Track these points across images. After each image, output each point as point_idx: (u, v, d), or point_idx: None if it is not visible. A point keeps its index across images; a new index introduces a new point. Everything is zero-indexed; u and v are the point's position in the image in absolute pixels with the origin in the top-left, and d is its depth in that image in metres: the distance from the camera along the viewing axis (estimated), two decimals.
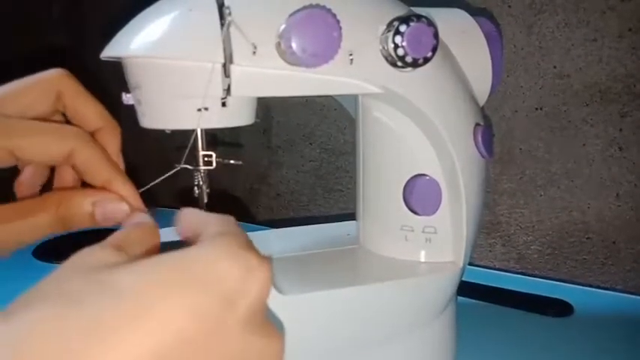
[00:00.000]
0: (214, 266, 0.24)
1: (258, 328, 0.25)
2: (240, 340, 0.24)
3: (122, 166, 0.40)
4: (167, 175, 0.41)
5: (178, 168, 0.43)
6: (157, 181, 0.42)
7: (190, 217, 0.33)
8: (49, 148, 0.36)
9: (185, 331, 0.22)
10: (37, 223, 0.36)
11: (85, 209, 0.37)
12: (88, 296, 0.22)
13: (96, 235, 0.43)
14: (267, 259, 0.25)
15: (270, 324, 0.26)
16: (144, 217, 0.36)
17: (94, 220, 0.38)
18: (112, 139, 0.39)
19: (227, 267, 0.24)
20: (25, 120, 0.37)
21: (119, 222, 0.38)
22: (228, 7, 0.37)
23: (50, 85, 0.38)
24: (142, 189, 0.41)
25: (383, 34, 0.41)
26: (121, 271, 0.24)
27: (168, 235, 0.48)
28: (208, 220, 0.31)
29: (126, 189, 0.38)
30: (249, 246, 0.26)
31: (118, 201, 0.38)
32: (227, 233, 0.26)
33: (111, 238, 0.30)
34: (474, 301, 0.69)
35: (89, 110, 0.38)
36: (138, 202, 0.39)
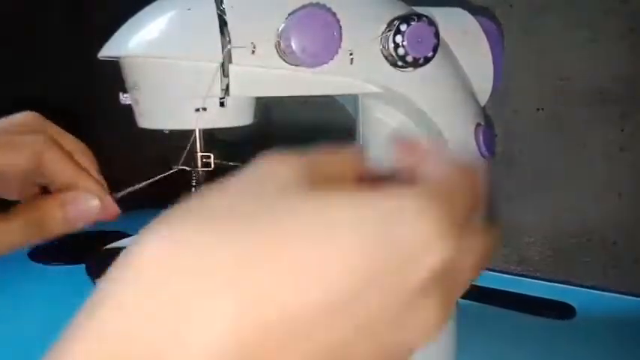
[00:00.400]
0: (402, 224, 0.21)
1: (428, 299, 0.22)
2: (407, 306, 0.22)
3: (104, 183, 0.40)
4: (162, 175, 0.41)
5: (176, 169, 0.42)
6: (149, 181, 0.41)
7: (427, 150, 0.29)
8: (18, 162, 0.37)
9: (357, 288, 0.20)
10: (10, 231, 0.36)
11: (57, 213, 0.37)
12: (262, 227, 0.20)
13: (89, 237, 0.43)
14: (454, 228, 0.22)
15: (439, 298, 0.23)
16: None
17: (69, 222, 0.38)
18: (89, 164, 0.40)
19: (416, 229, 0.21)
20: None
21: (93, 219, 0.38)
22: (226, 6, 0.37)
23: (33, 154, 0.37)
24: (132, 188, 0.40)
25: (383, 33, 0.40)
26: (303, 202, 0.21)
27: None
28: (443, 171, 0.26)
29: (92, 184, 0.38)
30: (454, 216, 0.22)
31: (86, 197, 0.38)
32: (438, 191, 0.23)
33: (307, 154, 0.27)
34: (474, 303, 0.68)
35: (66, 164, 0.38)
36: (105, 194, 0.39)
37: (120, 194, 0.40)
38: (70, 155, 0.38)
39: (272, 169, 0.24)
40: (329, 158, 0.28)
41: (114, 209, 0.39)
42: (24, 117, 0.39)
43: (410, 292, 0.21)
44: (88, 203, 0.38)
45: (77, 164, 0.39)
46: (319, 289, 0.19)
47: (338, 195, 0.22)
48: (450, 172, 0.25)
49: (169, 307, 0.18)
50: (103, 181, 0.40)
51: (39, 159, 0.37)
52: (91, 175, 0.39)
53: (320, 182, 0.24)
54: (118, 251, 0.47)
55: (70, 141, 0.40)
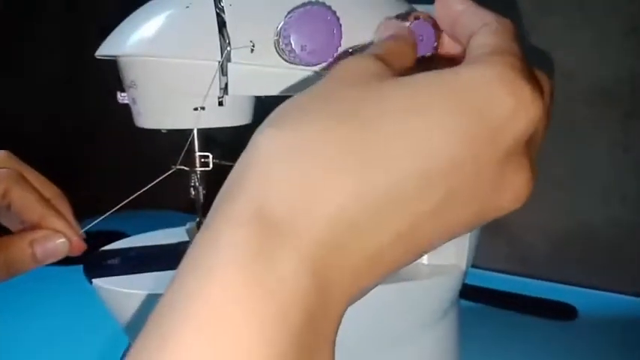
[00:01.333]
0: (487, 92, 0.23)
1: (517, 163, 0.24)
2: (498, 171, 0.23)
3: (79, 230, 0.40)
4: (163, 177, 0.41)
5: (174, 169, 0.42)
6: (152, 183, 0.41)
7: (457, 5, 0.32)
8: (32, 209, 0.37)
9: (453, 155, 0.22)
10: None
11: (26, 252, 0.37)
12: (362, 110, 0.22)
13: (89, 237, 0.42)
14: (542, 95, 0.24)
15: (527, 161, 0.25)
16: (401, 28, 0.35)
17: (37, 260, 0.38)
18: (63, 207, 0.40)
19: (500, 95, 0.23)
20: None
21: (61, 256, 0.38)
22: (225, 4, 0.36)
23: None
24: (139, 192, 0.40)
25: None
26: (391, 85, 0.23)
27: (170, 236, 0.48)
28: (485, 18, 0.30)
29: (59, 222, 0.38)
30: (526, 73, 0.24)
31: (55, 236, 0.38)
32: (505, 52, 0.25)
33: (373, 48, 0.30)
34: (477, 304, 0.68)
35: (33, 201, 0.38)
36: (73, 232, 0.39)
37: (86, 229, 0.41)
38: (37, 192, 0.38)
39: (351, 67, 0.26)
40: (391, 46, 0.30)
41: (81, 247, 0.40)
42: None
43: (500, 158, 0.23)
44: (57, 242, 0.38)
45: (45, 201, 0.39)
46: (421, 156, 0.21)
47: (421, 75, 0.23)
48: (495, 28, 0.28)
49: (299, 184, 0.21)
50: (72, 219, 0.40)
51: (5, 194, 0.37)
52: (59, 213, 0.39)
53: (395, 67, 0.26)
54: (115, 252, 0.48)
55: (41, 182, 0.40)
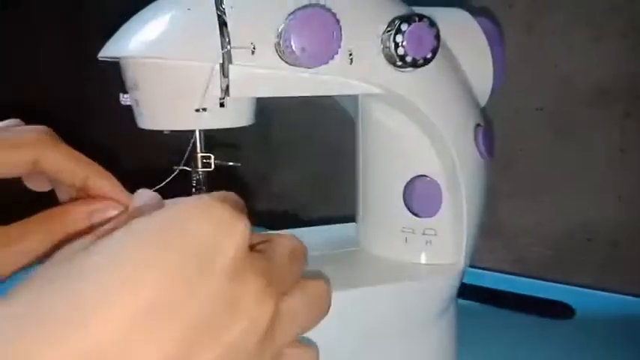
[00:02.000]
0: (185, 223, 0.23)
1: (240, 278, 0.23)
2: (228, 294, 0.22)
3: (125, 196, 0.38)
4: (168, 180, 0.41)
5: (177, 170, 0.43)
6: (157, 187, 0.41)
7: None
8: (9, 162, 0.35)
9: (160, 294, 0.21)
10: (31, 246, 0.35)
11: (80, 226, 0.36)
12: (57, 279, 0.22)
13: None
14: (242, 214, 0.24)
15: (252, 275, 0.24)
16: (153, 198, 0.34)
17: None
18: (104, 181, 0.37)
19: (198, 223, 0.23)
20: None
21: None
22: (226, 7, 0.37)
23: (26, 154, 0.36)
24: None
25: (384, 32, 0.40)
26: (93, 248, 0.23)
27: None
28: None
29: (106, 184, 0.37)
30: (223, 199, 0.24)
31: (112, 207, 0.37)
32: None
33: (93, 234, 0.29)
34: (474, 303, 0.68)
35: (68, 173, 0.37)
36: (122, 195, 0.37)
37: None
38: (71, 152, 0.37)
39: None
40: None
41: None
42: (30, 146, 0.36)
43: (223, 283, 0.22)
44: (114, 213, 0.37)
45: (83, 161, 0.37)
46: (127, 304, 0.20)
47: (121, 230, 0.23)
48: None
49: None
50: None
51: (38, 165, 0.36)
52: (100, 170, 0.37)
53: None
54: None
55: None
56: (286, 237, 0.29)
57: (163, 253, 0.22)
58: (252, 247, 0.25)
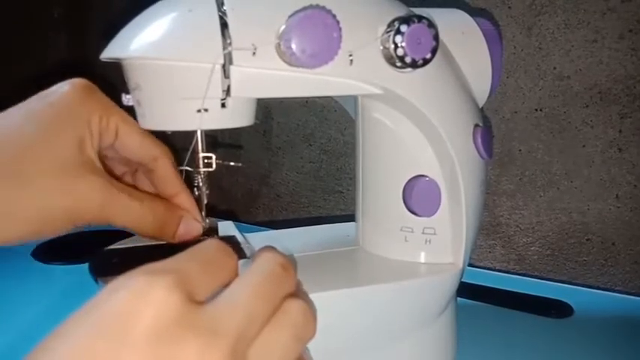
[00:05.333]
0: (107, 296, 0.23)
1: (173, 341, 0.22)
2: (151, 355, 0.22)
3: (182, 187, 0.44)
4: None
5: (180, 170, 0.43)
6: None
7: None
8: (146, 147, 0.41)
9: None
10: (132, 209, 0.39)
11: (174, 223, 0.41)
12: None
13: (92, 235, 0.43)
14: (162, 279, 0.24)
15: (185, 333, 0.23)
16: None
17: (174, 235, 0.42)
18: (170, 166, 0.43)
19: (117, 297, 0.23)
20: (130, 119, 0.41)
21: (192, 238, 0.42)
22: (227, 8, 0.37)
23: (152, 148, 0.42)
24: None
25: (383, 34, 0.41)
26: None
27: None
28: None
29: (191, 203, 0.43)
30: (151, 269, 0.24)
31: (194, 219, 0.42)
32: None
33: None
34: (473, 302, 0.68)
35: (174, 175, 0.43)
36: (199, 216, 0.43)
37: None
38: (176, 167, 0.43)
39: None
40: None
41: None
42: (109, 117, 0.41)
43: (148, 348, 0.22)
44: (196, 225, 0.43)
45: (180, 179, 0.43)
46: None
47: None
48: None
49: None
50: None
51: (155, 163, 0.42)
52: (189, 192, 0.44)
53: None
54: (120, 251, 0.48)
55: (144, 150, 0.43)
56: (265, 256, 0.29)
57: (85, 323, 0.22)
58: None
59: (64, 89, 0.39)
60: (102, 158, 0.40)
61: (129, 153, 0.41)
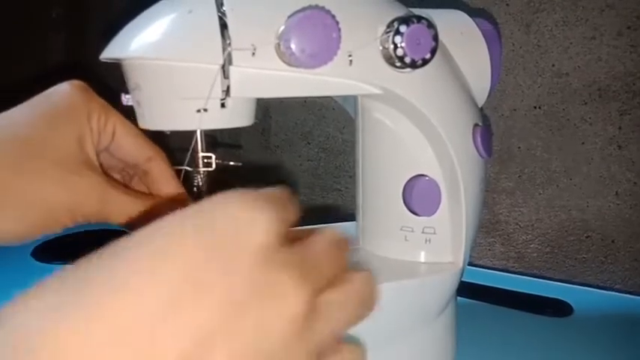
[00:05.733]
0: (213, 212, 0.23)
1: (272, 268, 0.23)
2: (256, 276, 0.22)
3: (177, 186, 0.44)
4: None
5: (179, 170, 0.43)
6: None
7: None
8: (140, 148, 0.41)
9: (193, 269, 0.21)
10: (128, 205, 0.39)
11: None
12: (100, 260, 0.22)
13: (93, 235, 0.43)
14: (270, 206, 0.24)
15: (284, 262, 0.24)
16: None
17: None
18: (164, 167, 0.43)
19: (233, 211, 0.23)
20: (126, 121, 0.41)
21: None
22: (226, 9, 0.37)
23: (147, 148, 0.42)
24: None
25: (383, 34, 0.41)
26: (131, 236, 0.23)
27: None
28: None
29: (165, 170, 0.42)
30: (254, 195, 0.25)
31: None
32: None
33: None
34: (473, 301, 0.69)
35: (170, 175, 0.43)
36: (176, 184, 0.43)
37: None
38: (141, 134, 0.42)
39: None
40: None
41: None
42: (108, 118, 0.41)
43: (254, 265, 0.22)
44: None
45: (176, 179, 0.43)
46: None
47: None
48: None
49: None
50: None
51: (149, 163, 0.42)
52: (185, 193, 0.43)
53: None
54: None
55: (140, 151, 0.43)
56: (326, 230, 0.29)
57: (196, 235, 0.22)
58: (292, 241, 0.26)
59: (64, 89, 0.40)
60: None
61: (124, 154, 0.42)
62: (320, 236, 0.28)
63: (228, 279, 0.22)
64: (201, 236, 0.22)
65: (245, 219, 0.23)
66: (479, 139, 0.46)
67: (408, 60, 0.40)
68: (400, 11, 0.42)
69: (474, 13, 0.49)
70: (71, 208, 0.37)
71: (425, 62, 0.41)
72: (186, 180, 0.44)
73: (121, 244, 0.22)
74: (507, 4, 0.75)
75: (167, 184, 0.43)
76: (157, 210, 0.40)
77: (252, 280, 0.22)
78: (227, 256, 0.22)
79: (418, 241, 0.49)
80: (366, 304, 0.29)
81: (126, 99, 0.41)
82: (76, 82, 0.40)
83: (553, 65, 0.74)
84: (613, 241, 0.75)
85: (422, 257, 0.49)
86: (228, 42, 0.37)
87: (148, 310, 0.20)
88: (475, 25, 0.48)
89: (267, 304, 0.22)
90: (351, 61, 0.40)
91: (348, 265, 0.29)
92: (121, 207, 0.39)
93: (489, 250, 0.83)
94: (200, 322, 0.21)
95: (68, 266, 0.23)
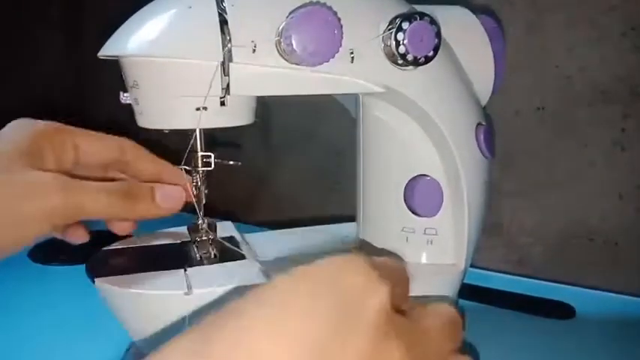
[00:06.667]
0: (336, 277, 0.24)
1: (384, 338, 0.24)
2: (370, 349, 0.23)
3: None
4: None
5: (178, 169, 0.43)
6: None
7: None
8: (108, 143, 0.42)
9: (319, 336, 0.22)
10: (101, 198, 0.38)
11: (148, 192, 0.40)
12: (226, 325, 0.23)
13: (91, 237, 0.43)
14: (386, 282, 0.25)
15: (394, 333, 0.24)
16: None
17: (158, 206, 0.41)
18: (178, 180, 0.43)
19: (347, 277, 0.24)
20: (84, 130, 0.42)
21: (178, 203, 0.41)
22: (227, 5, 0.37)
23: (112, 140, 0.43)
24: None
25: (385, 31, 0.40)
26: (256, 297, 0.24)
27: (173, 235, 0.48)
28: None
29: (178, 174, 0.43)
30: (371, 263, 0.26)
31: (168, 185, 0.42)
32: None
33: None
34: (474, 303, 0.68)
35: (147, 164, 0.44)
36: (188, 187, 0.43)
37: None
38: (148, 152, 0.44)
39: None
40: None
41: (190, 197, 0.43)
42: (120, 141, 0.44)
43: (367, 334, 0.23)
44: (175, 188, 0.42)
45: (157, 159, 0.44)
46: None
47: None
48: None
49: None
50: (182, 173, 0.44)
51: (123, 155, 0.42)
52: (172, 167, 0.44)
53: None
54: (117, 252, 0.48)
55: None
56: (442, 306, 0.30)
57: (317, 303, 0.23)
58: (402, 312, 0.27)
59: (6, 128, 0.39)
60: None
61: (97, 156, 0.42)
62: (435, 313, 0.29)
63: (346, 349, 0.22)
64: (321, 301, 0.23)
65: (366, 287, 0.24)
66: (482, 139, 0.46)
67: (410, 57, 0.40)
68: (402, 8, 0.42)
69: (477, 10, 0.49)
70: (36, 209, 0.35)
71: (427, 60, 0.41)
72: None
73: (240, 306, 0.23)
74: (511, 4, 0.75)
75: (149, 162, 0.43)
76: (126, 189, 0.39)
77: (367, 352, 0.23)
78: (348, 322, 0.23)
79: (420, 243, 0.48)
80: None
81: (124, 97, 0.41)
82: (20, 120, 0.40)
83: (557, 66, 0.73)
84: (616, 244, 0.74)
85: (423, 259, 0.49)
86: (228, 38, 0.36)
87: None
88: (479, 22, 0.48)
89: None
90: (352, 58, 0.40)
91: (458, 344, 0.30)
92: (91, 195, 0.37)
93: (492, 253, 0.83)
94: None
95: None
